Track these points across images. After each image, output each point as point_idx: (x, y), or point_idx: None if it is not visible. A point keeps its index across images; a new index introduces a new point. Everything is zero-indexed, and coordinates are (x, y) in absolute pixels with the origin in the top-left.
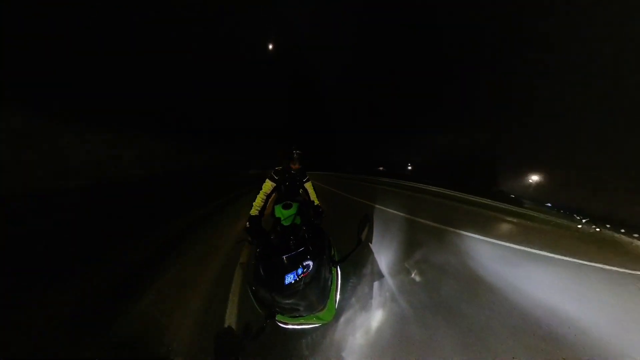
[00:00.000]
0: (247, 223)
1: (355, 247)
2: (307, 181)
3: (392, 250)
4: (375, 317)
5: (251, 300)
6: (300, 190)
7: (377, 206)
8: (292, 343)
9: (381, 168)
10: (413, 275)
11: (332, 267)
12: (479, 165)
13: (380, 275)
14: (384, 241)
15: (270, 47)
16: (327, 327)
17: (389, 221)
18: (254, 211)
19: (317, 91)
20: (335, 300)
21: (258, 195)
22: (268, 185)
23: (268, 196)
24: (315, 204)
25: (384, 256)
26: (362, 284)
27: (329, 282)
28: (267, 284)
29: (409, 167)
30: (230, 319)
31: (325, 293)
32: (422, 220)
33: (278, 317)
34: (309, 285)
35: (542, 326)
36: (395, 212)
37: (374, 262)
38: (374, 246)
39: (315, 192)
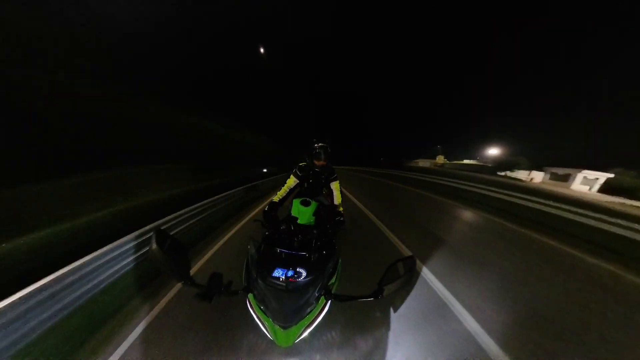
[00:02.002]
0: (267, 207)
1: (364, 296)
2: (333, 180)
3: None
4: None
5: (243, 267)
6: (325, 190)
7: None
8: (241, 328)
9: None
10: None
11: (322, 296)
12: None
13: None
14: None
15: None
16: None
17: None
18: (276, 198)
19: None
20: (302, 332)
21: (283, 187)
22: (291, 181)
23: (291, 190)
24: (338, 208)
25: None
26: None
27: (309, 309)
28: (258, 264)
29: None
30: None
31: (298, 315)
32: None
33: (250, 296)
34: (290, 294)
35: None
36: None
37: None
38: None
39: (342, 196)
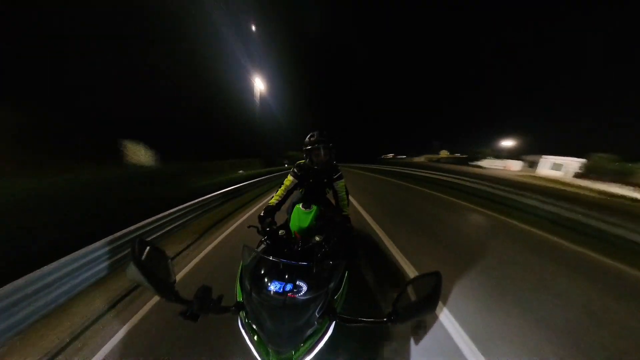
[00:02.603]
0: (262, 212)
1: (376, 320)
2: (337, 179)
3: None
4: None
5: (237, 279)
6: (328, 190)
7: None
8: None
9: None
10: None
11: (326, 317)
12: None
13: None
14: None
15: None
16: None
17: None
18: (273, 201)
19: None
20: None
21: (280, 188)
22: (289, 181)
23: (289, 191)
24: (344, 212)
25: None
26: None
27: (309, 332)
28: (252, 276)
29: None
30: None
31: (296, 338)
32: None
33: (242, 314)
34: (288, 311)
35: None
36: None
37: None
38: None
39: (348, 197)
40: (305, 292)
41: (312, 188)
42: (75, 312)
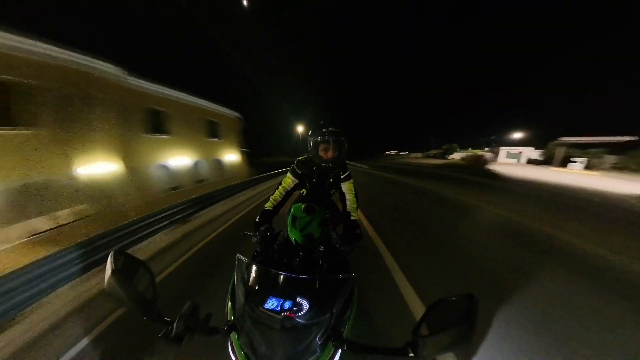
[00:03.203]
0: (258, 217)
1: (391, 350)
2: (345, 179)
3: None
4: None
5: (228, 294)
6: (334, 192)
7: None
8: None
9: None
10: None
11: (330, 343)
12: None
13: None
14: None
15: None
16: None
17: None
18: (269, 204)
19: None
20: None
21: (277, 190)
22: (288, 181)
23: (288, 192)
24: (352, 217)
25: None
26: None
27: None
28: (245, 291)
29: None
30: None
31: None
32: None
33: (233, 336)
34: (286, 334)
35: None
36: None
37: None
38: None
39: (358, 200)
40: (306, 312)
41: (315, 189)
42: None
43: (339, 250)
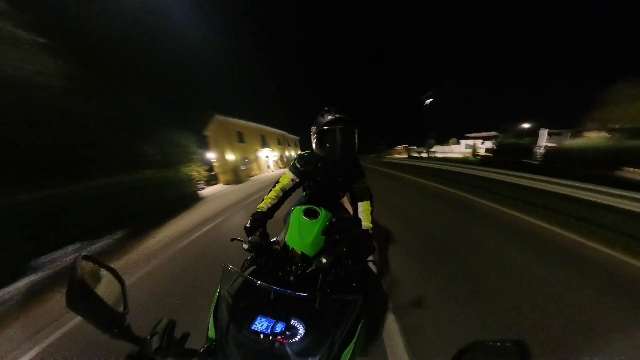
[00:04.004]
0: (249, 221)
1: None
2: (357, 178)
3: None
4: None
5: (211, 310)
6: (340, 194)
7: None
8: None
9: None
10: None
11: None
12: None
13: None
14: None
15: None
16: None
17: None
18: (262, 206)
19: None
20: None
21: (273, 189)
22: (286, 179)
23: (287, 193)
24: (363, 225)
25: None
26: None
27: None
28: (231, 308)
29: None
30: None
31: None
32: None
33: None
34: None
35: None
36: None
37: None
38: None
39: (372, 204)
40: (301, 337)
41: (320, 189)
42: None
43: (346, 265)
